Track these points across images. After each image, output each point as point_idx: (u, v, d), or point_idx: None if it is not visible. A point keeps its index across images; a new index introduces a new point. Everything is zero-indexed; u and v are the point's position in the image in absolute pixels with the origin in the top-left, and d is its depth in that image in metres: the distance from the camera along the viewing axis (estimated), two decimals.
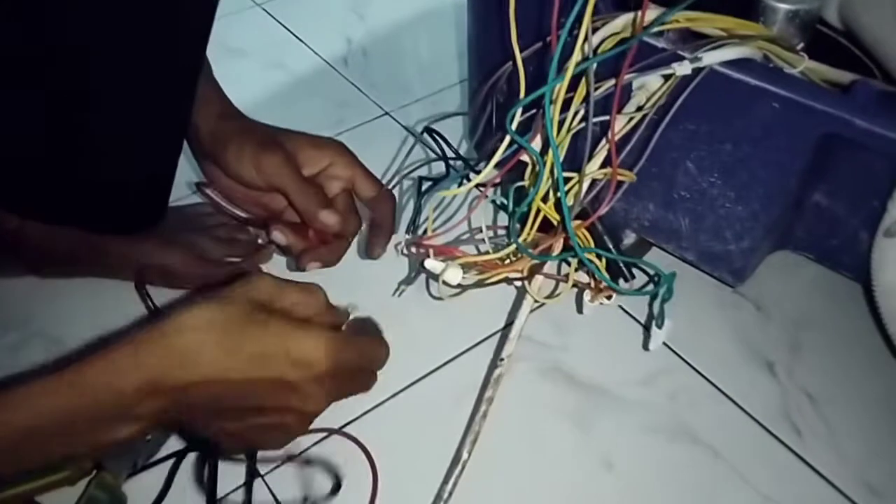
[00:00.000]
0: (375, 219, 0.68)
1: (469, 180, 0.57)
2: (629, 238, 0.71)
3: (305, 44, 1.11)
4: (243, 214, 0.70)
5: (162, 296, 0.73)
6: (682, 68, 0.53)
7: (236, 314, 0.49)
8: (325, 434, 0.63)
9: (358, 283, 0.74)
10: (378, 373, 0.66)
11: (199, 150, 0.68)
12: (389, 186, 0.71)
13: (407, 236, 0.60)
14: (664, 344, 0.70)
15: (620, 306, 0.73)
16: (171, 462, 0.61)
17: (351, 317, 0.62)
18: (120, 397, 0.45)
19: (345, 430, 0.64)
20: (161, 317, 0.48)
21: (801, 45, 0.62)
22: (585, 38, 0.50)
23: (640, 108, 0.57)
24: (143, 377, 0.46)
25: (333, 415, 0.64)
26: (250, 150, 0.65)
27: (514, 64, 0.52)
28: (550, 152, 0.53)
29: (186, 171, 0.77)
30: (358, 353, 0.55)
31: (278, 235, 0.66)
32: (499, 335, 0.71)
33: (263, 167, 0.65)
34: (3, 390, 0.44)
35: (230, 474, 0.60)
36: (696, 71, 0.55)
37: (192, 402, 0.48)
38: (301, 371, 0.50)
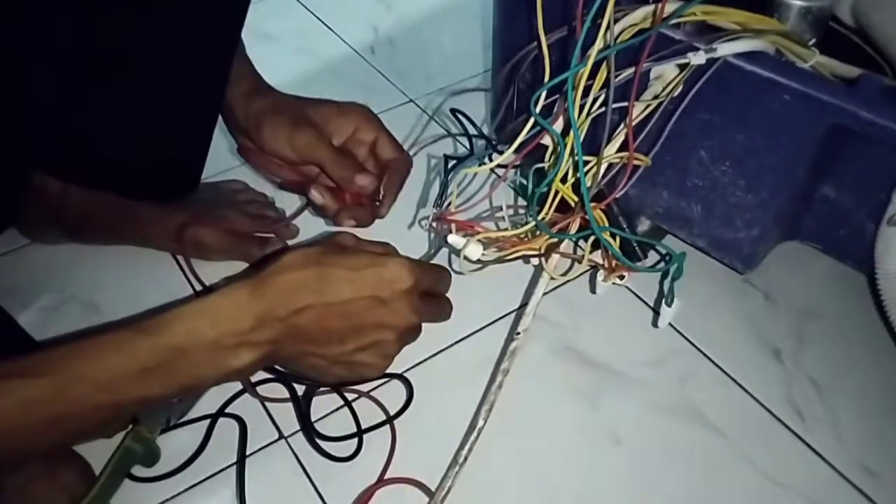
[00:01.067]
0: (386, 180, 0.72)
1: (492, 160, 0.60)
2: (644, 225, 0.74)
3: (333, 31, 1.14)
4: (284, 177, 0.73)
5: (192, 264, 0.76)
6: (698, 58, 0.56)
7: (328, 251, 0.56)
8: (356, 396, 0.66)
9: None
10: None
11: (234, 126, 0.71)
12: (412, 153, 0.74)
13: (434, 210, 0.63)
14: (674, 327, 0.72)
15: (631, 289, 0.76)
16: (201, 423, 0.64)
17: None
18: (238, 324, 0.51)
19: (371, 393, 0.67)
20: (264, 264, 0.55)
21: (813, 41, 0.64)
22: (608, 27, 0.53)
23: (656, 97, 0.60)
24: (257, 308, 0.52)
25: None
26: (283, 128, 0.68)
27: (540, 49, 0.55)
28: (571, 135, 0.56)
29: (220, 148, 0.80)
30: (435, 277, 0.64)
31: (316, 195, 0.69)
32: (514, 314, 0.74)
33: (297, 144, 0.68)
34: (153, 316, 0.50)
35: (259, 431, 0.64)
36: (711, 61, 0.57)
37: (301, 327, 0.54)
38: (389, 288, 0.56)
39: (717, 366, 0.70)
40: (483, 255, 0.60)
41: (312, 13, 1.19)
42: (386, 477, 0.61)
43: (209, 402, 0.66)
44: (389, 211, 0.72)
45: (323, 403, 0.66)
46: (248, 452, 0.63)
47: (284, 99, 0.71)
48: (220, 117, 0.70)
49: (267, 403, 0.66)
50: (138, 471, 0.61)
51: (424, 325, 0.67)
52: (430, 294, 0.63)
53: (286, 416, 0.65)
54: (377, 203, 0.71)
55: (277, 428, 0.65)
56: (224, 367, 0.52)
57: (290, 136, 0.68)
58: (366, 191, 0.70)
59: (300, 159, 0.69)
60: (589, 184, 0.58)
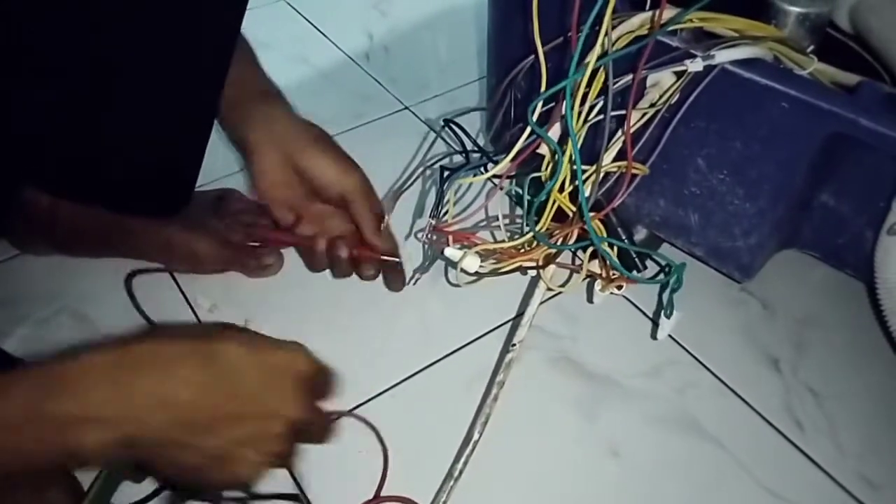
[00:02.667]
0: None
1: (487, 170, 0.59)
2: (640, 233, 0.73)
3: (328, 38, 1.14)
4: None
5: (184, 276, 0.76)
6: (695, 65, 0.55)
7: (216, 328, 0.48)
8: (336, 416, 0.65)
9: None
10: (394, 355, 0.68)
11: (229, 136, 0.70)
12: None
13: (431, 221, 0.62)
14: (671, 337, 0.72)
15: (629, 299, 0.75)
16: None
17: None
18: (88, 396, 0.42)
19: (359, 410, 0.66)
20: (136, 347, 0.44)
21: (811, 48, 0.64)
22: (606, 34, 0.52)
23: (652, 105, 0.59)
24: (118, 378, 0.43)
25: (348, 396, 0.66)
26: (335, 155, 0.69)
27: (536, 58, 0.54)
28: (569, 143, 0.55)
29: (213, 158, 0.79)
30: (331, 379, 0.52)
31: (343, 250, 0.70)
32: (510, 324, 0.73)
33: (350, 184, 0.69)
34: None
35: None
36: (708, 69, 0.57)
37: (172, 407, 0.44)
38: (283, 370, 0.48)
39: (716, 376, 0.69)
40: (480, 266, 0.60)
41: (307, 20, 1.18)
42: (382, 494, 0.60)
43: None
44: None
45: None
46: None
47: (286, 129, 0.69)
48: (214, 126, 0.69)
49: None
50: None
51: (417, 336, 0.67)
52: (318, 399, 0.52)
53: None
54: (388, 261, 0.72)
55: None
56: (63, 447, 0.42)
57: (342, 166, 0.69)
58: (378, 248, 0.70)
59: (339, 188, 0.69)
60: (587, 193, 0.58)
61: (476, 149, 0.70)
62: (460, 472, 0.58)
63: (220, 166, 0.87)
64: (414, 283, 0.74)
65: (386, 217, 0.70)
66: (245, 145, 0.68)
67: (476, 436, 0.58)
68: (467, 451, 0.58)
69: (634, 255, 0.63)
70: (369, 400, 0.67)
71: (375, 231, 0.70)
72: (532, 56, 0.64)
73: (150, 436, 0.43)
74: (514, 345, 0.60)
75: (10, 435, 0.41)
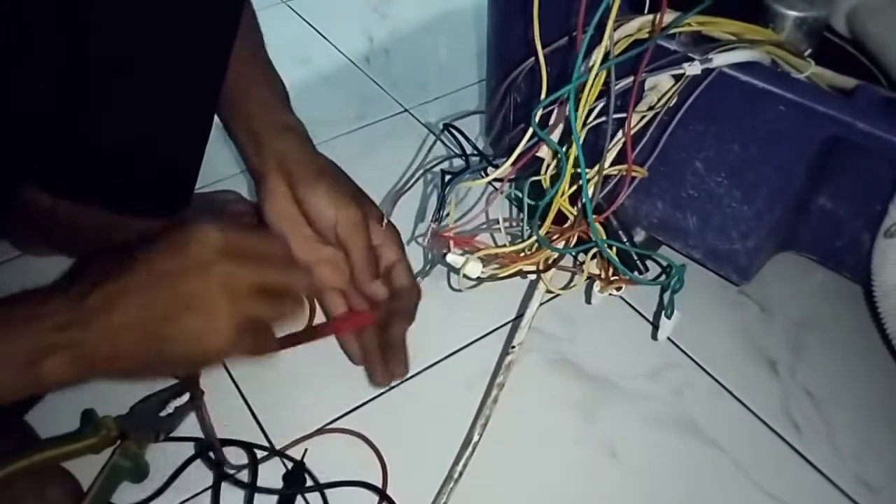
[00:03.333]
0: (395, 307, 0.67)
1: (487, 174, 0.60)
2: (639, 235, 0.73)
3: (329, 41, 1.14)
4: None
5: None
6: (693, 68, 0.55)
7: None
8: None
9: None
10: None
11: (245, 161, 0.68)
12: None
13: (433, 225, 0.62)
14: (669, 339, 0.72)
15: (627, 301, 0.75)
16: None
17: None
18: (42, 323, 0.46)
19: (359, 410, 0.66)
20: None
21: (808, 51, 0.64)
22: (610, 38, 0.53)
23: (651, 108, 0.59)
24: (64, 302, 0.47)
25: (349, 397, 0.67)
26: (333, 186, 0.64)
27: (537, 62, 0.55)
28: (572, 146, 0.55)
29: (213, 159, 0.79)
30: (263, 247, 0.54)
31: (337, 303, 0.67)
32: (508, 326, 0.74)
33: (342, 218, 0.63)
34: None
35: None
36: (706, 72, 0.57)
37: (99, 308, 0.48)
38: (194, 251, 0.50)
39: (713, 378, 0.70)
40: (482, 272, 0.60)
41: (308, 23, 1.18)
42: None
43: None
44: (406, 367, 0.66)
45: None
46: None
47: (295, 160, 0.65)
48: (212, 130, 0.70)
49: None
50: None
51: (417, 338, 0.67)
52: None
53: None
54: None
55: (270, 442, 0.64)
56: (28, 377, 0.46)
57: (339, 204, 0.64)
58: (377, 297, 0.66)
59: (335, 233, 0.64)
60: (590, 195, 0.58)
61: (476, 152, 0.70)
62: (460, 475, 0.58)
63: (220, 168, 0.87)
64: None
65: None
66: (256, 175, 0.66)
67: (476, 437, 0.59)
68: (467, 453, 0.58)
69: (636, 257, 0.63)
70: (369, 401, 0.67)
71: (366, 273, 0.65)
72: (532, 59, 0.64)
73: (100, 351, 0.47)
74: (514, 347, 0.61)
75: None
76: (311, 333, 0.66)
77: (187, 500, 0.61)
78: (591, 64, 0.54)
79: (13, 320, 0.46)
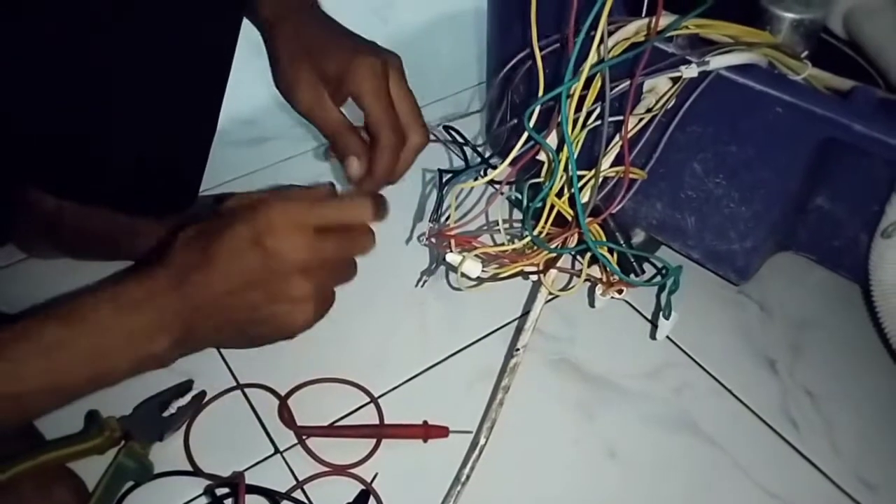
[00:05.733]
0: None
1: (486, 174, 0.60)
2: (638, 236, 0.74)
3: None
4: None
5: None
6: (690, 71, 0.56)
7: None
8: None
9: (381, 272, 0.77)
10: (393, 358, 0.69)
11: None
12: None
13: (431, 225, 0.62)
14: (669, 339, 0.72)
15: (627, 302, 0.76)
16: None
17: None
18: (155, 311, 0.50)
19: (360, 411, 0.67)
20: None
21: (805, 53, 0.64)
22: (601, 41, 0.53)
23: (649, 110, 0.60)
24: (171, 292, 0.50)
25: (349, 399, 0.67)
26: (342, 31, 0.65)
27: (534, 62, 0.55)
28: (566, 149, 0.56)
29: (217, 161, 0.80)
30: (326, 207, 0.55)
31: (353, 164, 0.63)
32: (508, 326, 0.74)
33: (353, 70, 0.62)
34: (68, 303, 0.49)
35: None
36: (704, 74, 0.58)
37: (198, 298, 0.51)
38: (265, 236, 0.51)
39: (713, 377, 0.70)
40: (483, 271, 0.60)
41: None
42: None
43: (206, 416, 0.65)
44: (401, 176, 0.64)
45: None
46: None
47: (308, 29, 0.64)
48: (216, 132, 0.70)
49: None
50: None
51: (419, 338, 0.67)
52: (333, 229, 0.55)
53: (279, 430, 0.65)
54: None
55: (273, 442, 0.65)
56: (139, 355, 0.50)
57: (299, 91, 0.62)
58: (353, 180, 0.64)
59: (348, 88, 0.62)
60: (586, 198, 0.58)
61: (476, 153, 0.71)
62: (467, 477, 0.58)
63: (223, 171, 0.88)
64: (422, 286, 0.75)
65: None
66: (265, 25, 0.65)
67: (482, 441, 0.59)
68: (474, 456, 0.59)
69: (632, 259, 0.64)
70: (369, 402, 0.67)
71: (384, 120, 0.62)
72: (529, 56, 0.64)
73: (201, 330, 0.52)
74: (518, 349, 0.61)
75: (89, 348, 0.48)
76: (380, 432, 0.66)
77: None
78: (584, 67, 0.54)
79: (132, 300, 0.49)
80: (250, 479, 0.60)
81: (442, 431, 0.64)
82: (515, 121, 0.69)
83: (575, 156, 0.56)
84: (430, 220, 0.63)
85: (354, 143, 0.63)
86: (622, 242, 0.64)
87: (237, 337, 0.55)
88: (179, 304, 0.50)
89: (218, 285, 0.51)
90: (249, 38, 0.67)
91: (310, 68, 0.62)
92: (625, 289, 0.63)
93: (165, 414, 0.64)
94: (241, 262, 0.51)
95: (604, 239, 0.62)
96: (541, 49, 0.55)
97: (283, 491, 0.60)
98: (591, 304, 0.72)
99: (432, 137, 0.65)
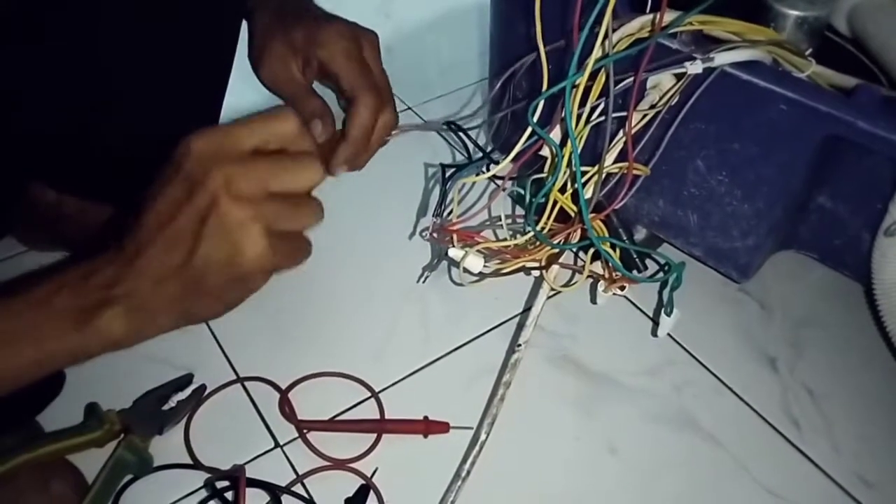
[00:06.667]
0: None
1: (489, 169, 0.60)
2: (640, 233, 0.74)
3: None
4: None
5: None
6: (694, 67, 0.56)
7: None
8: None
9: (383, 267, 0.78)
10: (394, 354, 0.68)
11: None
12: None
13: (435, 220, 0.62)
14: (670, 336, 0.72)
15: (628, 299, 0.76)
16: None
17: None
18: (93, 281, 0.45)
19: (359, 407, 0.67)
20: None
21: (809, 51, 0.64)
22: (605, 36, 0.53)
23: (653, 107, 0.60)
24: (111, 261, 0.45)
25: (350, 394, 0.67)
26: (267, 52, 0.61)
27: (538, 57, 0.55)
28: (569, 144, 0.56)
29: None
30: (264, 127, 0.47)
31: (317, 127, 0.60)
32: (509, 322, 0.74)
33: (265, 76, 0.61)
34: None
35: None
36: (708, 71, 0.57)
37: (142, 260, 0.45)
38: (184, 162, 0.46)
39: (713, 374, 0.70)
40: (485, 267, 0.60)
41: None
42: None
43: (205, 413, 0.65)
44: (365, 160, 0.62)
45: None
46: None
47: (286, 7, 0.63)
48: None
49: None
50: None
51: (421, 333, 0.67)
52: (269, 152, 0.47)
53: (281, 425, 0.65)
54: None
55: (273, 436, 0.65)
56: (88, 335, 0.45)
57: (266, 59, 0.61)
58: (318, 139, 0.60)
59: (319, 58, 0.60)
60: (589, 194, 0.58)
61: (478, 149, 0.71)
62: (468, 473, 0.58)
63: None
64: (424, 281, 0.75)
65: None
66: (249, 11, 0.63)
67: (483, 436, 0.59)
68: (474, 452, 0.59)
69: (635, 255, 0.64)
70: (370, 397, 0.67)
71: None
72: (532, 51, 0.64)
73: (154, 299, 0.45)
74: (520, 345, 0.61)
75: (29, 331, 0.44)
76: (381, 427, 0.65)
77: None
78: (588, 62, 0.54)
79: (66, 280, 0.45)
80: (250, 472, 0.60)
81: (443, 427, 0.64)
82: (518, 116, 0.69)
83: (578, 151, 0.55)
84: (432, 216, 0.63)
85: (316, 105, 0.60)
86: (625, 239, 0.64)
87: (196, 295, 0.47)
88: (118, 272, 0.44)
89: (150, 237, 0.44)
90: None
91: (280, 39, 0.60)
92: (627, 285, 0.62)
93: (165, 407, 0.64)
94: (166, 201, 0.45)
95: (606, 235, 0.62)
96: (544, 45, 0.55)
97: (284, 485, 0.60)
98: (593, 301, 0.72)
99: (435, 134, 0.65)
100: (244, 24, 0.65)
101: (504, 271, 0.61)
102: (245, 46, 0.67)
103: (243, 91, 0.87)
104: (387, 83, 0.62)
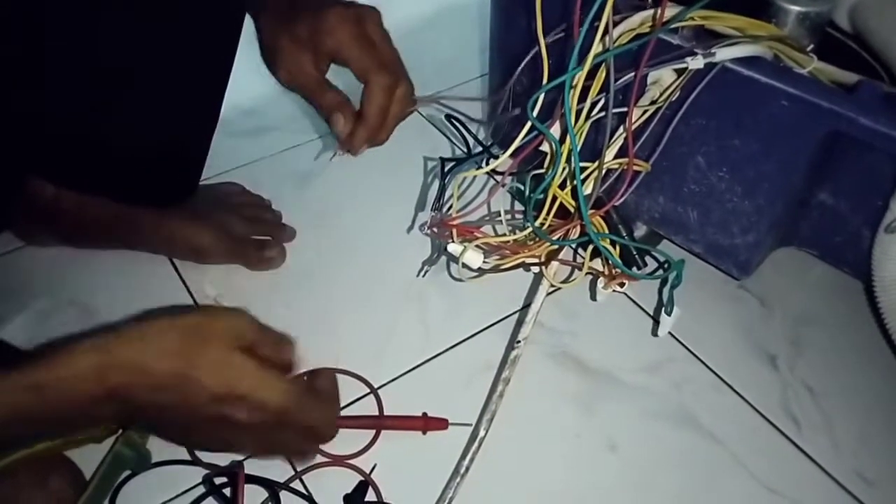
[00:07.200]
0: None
1: (488, 164, 0.60)
2: (640, 230, 0.74)
3: None
4: None
5: (188, 268, 0.76)
6: (695, 62, 0.55)
7: (202, 336, 0.48)
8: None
9: (382, 262, 0.77)
10: (394, 350, 0.68)
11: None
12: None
13: (433, 214, 0.62)
14: (670, 333, 0.72)
15: (628, 296, 0.76)
16: None
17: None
18: (80, 405, 0.45)
19: (360, 403, 0.66)
20: (124, 326, 0.47)
21: (811, 47, 0.64)
22: (606, 31, 0.53)
23: (653, 102, 0.59)
24: (103, 386, 0.45)
25: (349, 390, 0.67)
26: (278, 49, 0.61)
27: (539, 52, 0.55)
28: (569, 140, 0.55)
29: (217, 151, 0.79)
30: (307, 416, 0.52)
31: (339, 120, 0.61)
32: (509, 319, 0.74)
33: (281, 71, 0.61)
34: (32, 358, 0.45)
35: None
36: (709, 67, 0.57)
37: (146, 412, 0.48)
38: (250, 412, 0.48)
39: (713, 372, 0.70)
40: (484, 262, 0.60)
41: None
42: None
43: None
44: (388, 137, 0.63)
45: None
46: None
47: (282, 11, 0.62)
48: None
49: None
50: None
51: (420, 329, 0.67)
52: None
53: None
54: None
55: None
56: (84, 419, 0.48)
57: (278, 60, 0.61)
58: (340, 137, 0.62)
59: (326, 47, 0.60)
60: (589, 190, 0.58)
61: (478, 144, 0.70)
62: (467, 469, 0.58)
63: (224, 161, 0.87)
64: (423, 276, 0.75)
65: None
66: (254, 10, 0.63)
67: (482, 433, 0.59)
68: (473, 448, 0.58)
69: (634, 252, 0.64)
70: (369, 393, 0.67)
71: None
72: (534, 49, 0.64)
73: (137, 396, 0.46)
74: (520, 342, 0.61)
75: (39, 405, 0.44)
76: (380, 423, 0.65)
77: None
78: (588, 56, 0.54)
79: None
80: (249, 468, 0.59)
81: (441, 423, 0.64)
82: (518, 111, 0.69)
83: (578, 147, 0.55)
84: (431, 210, 0.63)
85: (333, 98, 0.61)
86: (624, 235, 0.63)
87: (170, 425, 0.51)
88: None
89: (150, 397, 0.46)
90: (251, 28, 0.67)
91: (286, 37, 0.60)
92: (626, 282, 0.62)
93: None
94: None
95: (606, 231, 0.62)
96: (545, 40, 0.55)
97: (282, 481, 0.60)
98: (593, 298, 0.71)
99: (434, 129, 0.65)
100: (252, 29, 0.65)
101: (503, 267, 0.61)
102: (248, 44, 0.67)
103: (245, 87, 0.87)
104: (396, 57, 0.63)
